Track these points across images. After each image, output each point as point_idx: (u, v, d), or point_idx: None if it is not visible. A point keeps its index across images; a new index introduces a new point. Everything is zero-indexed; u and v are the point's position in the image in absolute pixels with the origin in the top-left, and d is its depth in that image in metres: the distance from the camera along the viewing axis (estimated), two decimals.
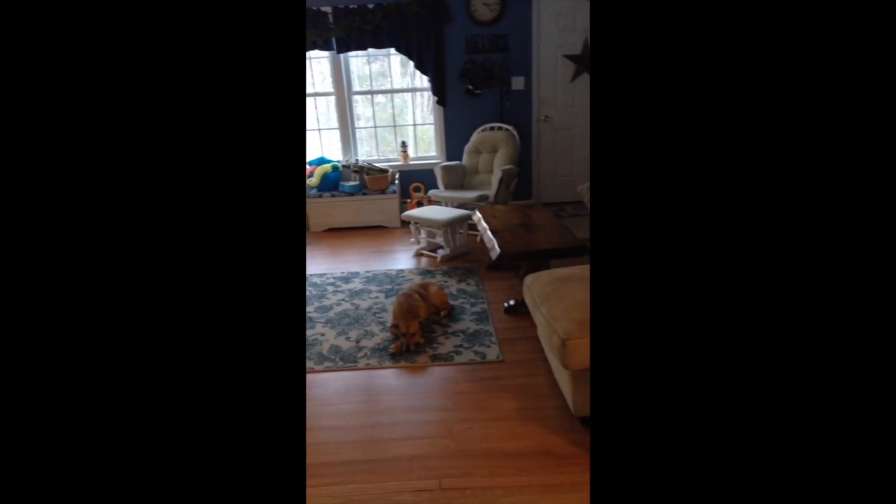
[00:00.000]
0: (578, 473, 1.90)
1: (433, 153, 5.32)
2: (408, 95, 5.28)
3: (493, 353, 2.73)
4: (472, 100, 5.03)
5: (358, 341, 2.92)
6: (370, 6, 4.67)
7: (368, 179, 4.85)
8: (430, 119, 5.23)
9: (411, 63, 4.92)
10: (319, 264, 4.14)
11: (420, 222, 4.12)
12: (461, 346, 2.81)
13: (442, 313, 3.12)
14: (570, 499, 1.79)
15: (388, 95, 5.29)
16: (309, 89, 5.14)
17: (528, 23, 4.83)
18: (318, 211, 4.90)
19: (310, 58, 5.03)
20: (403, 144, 5.23)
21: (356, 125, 5.29)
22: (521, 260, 3.04)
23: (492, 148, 4.84)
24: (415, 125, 5.35)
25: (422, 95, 5.23)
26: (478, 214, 3.68)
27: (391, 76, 5.25)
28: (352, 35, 4.73)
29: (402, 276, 3.79)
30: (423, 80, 5.03)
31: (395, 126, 5.35)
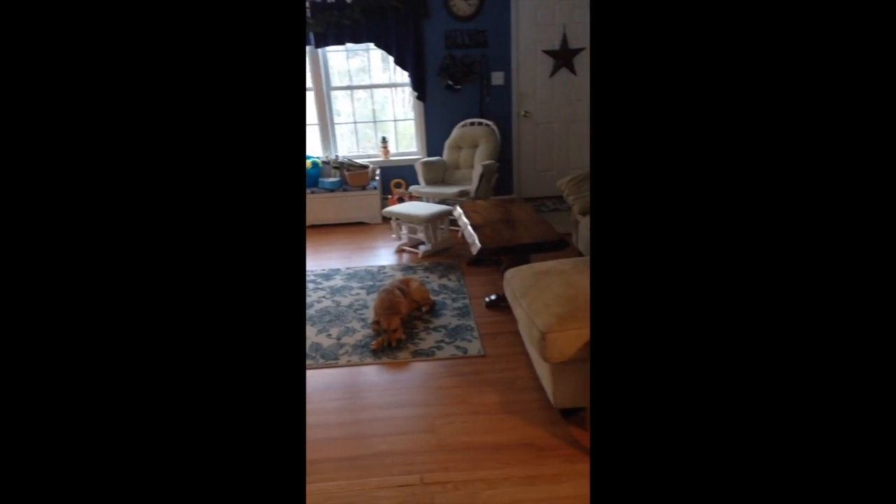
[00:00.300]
0: (559, 464, 1.92)
1: (414, 149, 5.31)
2: (388, 91, 5.25)
3: (474, 347, 2.74)
4: (452, 95, 5.02)
5: (339, 338, 2.90)
6: (348, 0, 4.63)
7: (349, 176, 4.82)
8: (411, 115, 5.21)
9: (391, 58, 4.89)
10: None
11: (401, 218, 4.11)
12: (443, 341, 2.82)
13: (423, 309, 3.12)
14: (551, 490, 1.81)
15: (369, 91, 5.25)
16: None
17: (507, 18, 4.83)
18: None
19: None
20: (384, 140, 5.20)
21: (336, 121, 5.25)
22: (501, 254, 3.05)
23: (472, 143, 4.84)
24: (395, 121, 5.33)
25: (402, 91, 5.20)
26: (459, 210, 3.68)
27: (370, 71, 5.22)
28: (329, 30, 4.69)
29: (384, 273, 3.78)
30: (403, 76, 5.00)
31: (375, 122, 5.32)
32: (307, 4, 4.63)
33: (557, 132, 5.22)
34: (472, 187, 4.40)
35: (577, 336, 1.96)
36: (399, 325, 2.82)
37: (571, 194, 3.71)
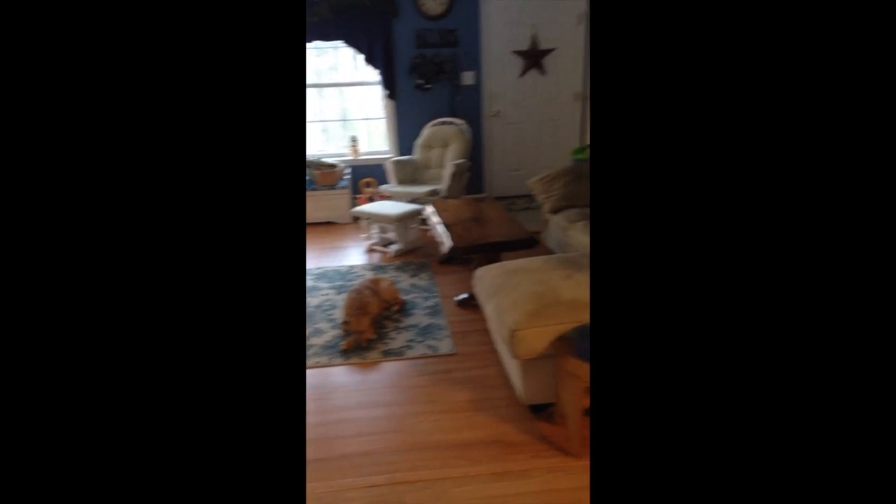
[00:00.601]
0: (527, 460, 1.92)
1: (384, 148, 5.27)
2: (358, 89, 5.20)
3: (445, 346, 2.73)
4: (422, 94, 5.00)
5: (307, 339, 2.86)
6: None
7: (318, 175, 4.75)
8: (381, 114, 5.18)
9: (361, 56, 4.85)
10: None
11: (372, 218, 4.08)
12: (413, 340, 2.80)
13: (393, 308, 3.10)
14: (520, 485, 1.82)
15: (339, 89, 5.19)
16: None
17: (478, 18, 4.84)
18: None
19: None
20: (353, 139, 5.15)
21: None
22: (472, 253, 3.05)
23: (443, 142, 4.84)
24: (366, 119, 5.28)
25: (372, 90, 5.16)
26: (430, 209, 3.67)
27: (338, 70, 5.16)
28: None
29: (354, 273, 3.74)
30: (374, 74, 4.97)
31: (345, 120, 5.26)
32: None
33: (528, 132, 5.26)
34: (442, 186, 4.40)
35: (546, 333, 1.97)
36: (369, 326, 2.79)
37: (542, 193, 3.74)
